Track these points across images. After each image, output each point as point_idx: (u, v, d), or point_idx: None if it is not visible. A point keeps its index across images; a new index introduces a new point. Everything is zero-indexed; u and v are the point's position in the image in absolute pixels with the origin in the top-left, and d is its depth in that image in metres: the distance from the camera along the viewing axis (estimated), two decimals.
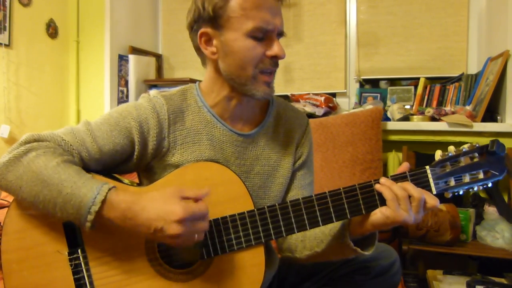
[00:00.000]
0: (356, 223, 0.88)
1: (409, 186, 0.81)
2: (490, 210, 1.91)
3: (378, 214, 0.83)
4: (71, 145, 0.86)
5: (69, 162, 0.83)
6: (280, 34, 0.94)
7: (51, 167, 0.80)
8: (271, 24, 0.90)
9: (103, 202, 0.77)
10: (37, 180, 0.79)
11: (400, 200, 0.81)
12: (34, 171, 0.80)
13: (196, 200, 0.80)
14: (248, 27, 0.89)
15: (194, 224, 0.78)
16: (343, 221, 0.90)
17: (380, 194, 0.84)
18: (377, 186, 0.84)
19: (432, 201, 0.81)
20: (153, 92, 2.55)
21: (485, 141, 0.86)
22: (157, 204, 0.78)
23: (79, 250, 0.85)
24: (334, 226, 0.92)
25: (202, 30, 0.94)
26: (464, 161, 0.85)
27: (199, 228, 0.79)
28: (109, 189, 0.79)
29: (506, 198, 1.96)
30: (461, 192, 0.87)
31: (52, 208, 0.79)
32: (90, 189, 0.78)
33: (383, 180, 0.84)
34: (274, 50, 0.91)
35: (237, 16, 0.89)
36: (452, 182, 0.85)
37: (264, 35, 0.90)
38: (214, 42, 0.93)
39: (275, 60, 0.93)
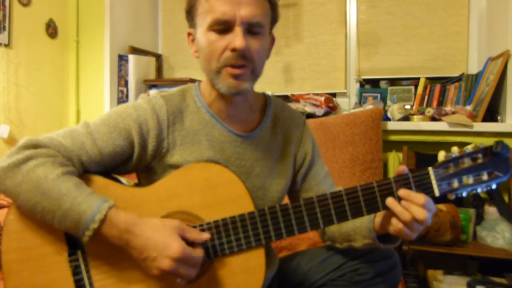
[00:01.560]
0: (379, 227, 0.91)
1: (414, 209, 0.81)
2: (491, 210, 1.90)
3: (391, 231, 0.86)
4: (71, 150, 0.85)
5: (69, 174, 0.82)
6: (250, 24, 0.87)
7: (51, 179, 0.79)
8: (227, 15, 0.85)
9: (103, 221, 0.78)
10: (36, 191, 0.79)
11: (409, 225, 0.82)
12: (33, 181, 0.79)
13: (195, 243, 0.82)
14: (207, 21, 0.88)
15: (184, 268, 0.79)
16: (367, 225, 0.93)
17: (382, 197, 0.84)
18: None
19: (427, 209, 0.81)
20: (152, 92, 2.55)
21: (485, 141, 0.84)
22: (157, 235, 0.79)
23: (79, 252, 0.85)
24: (362, 224, 0.95)
25: (188, 30, 0.97)
26: (467, 162, 0.83)
27: (185, 274, 0.79)
28: (109, 208, 0.79)
29: (506, 198, 1.96)
30: (464, 194, 0.84)
31: (50, 219, 0.80)
32: (90, 206, 0.78)
33: (390, 200, 0.84)
34: (233, 42, 0.86)
35: (202, 12, 0.90)
36: (456, 184, 0.83)
37: (227, 27, 0.87)
38: (195, 40, 0.96)
39: (236, 53, 0.87)
